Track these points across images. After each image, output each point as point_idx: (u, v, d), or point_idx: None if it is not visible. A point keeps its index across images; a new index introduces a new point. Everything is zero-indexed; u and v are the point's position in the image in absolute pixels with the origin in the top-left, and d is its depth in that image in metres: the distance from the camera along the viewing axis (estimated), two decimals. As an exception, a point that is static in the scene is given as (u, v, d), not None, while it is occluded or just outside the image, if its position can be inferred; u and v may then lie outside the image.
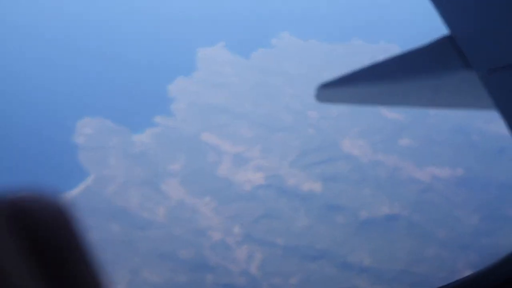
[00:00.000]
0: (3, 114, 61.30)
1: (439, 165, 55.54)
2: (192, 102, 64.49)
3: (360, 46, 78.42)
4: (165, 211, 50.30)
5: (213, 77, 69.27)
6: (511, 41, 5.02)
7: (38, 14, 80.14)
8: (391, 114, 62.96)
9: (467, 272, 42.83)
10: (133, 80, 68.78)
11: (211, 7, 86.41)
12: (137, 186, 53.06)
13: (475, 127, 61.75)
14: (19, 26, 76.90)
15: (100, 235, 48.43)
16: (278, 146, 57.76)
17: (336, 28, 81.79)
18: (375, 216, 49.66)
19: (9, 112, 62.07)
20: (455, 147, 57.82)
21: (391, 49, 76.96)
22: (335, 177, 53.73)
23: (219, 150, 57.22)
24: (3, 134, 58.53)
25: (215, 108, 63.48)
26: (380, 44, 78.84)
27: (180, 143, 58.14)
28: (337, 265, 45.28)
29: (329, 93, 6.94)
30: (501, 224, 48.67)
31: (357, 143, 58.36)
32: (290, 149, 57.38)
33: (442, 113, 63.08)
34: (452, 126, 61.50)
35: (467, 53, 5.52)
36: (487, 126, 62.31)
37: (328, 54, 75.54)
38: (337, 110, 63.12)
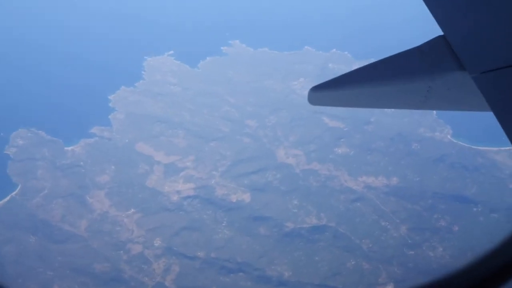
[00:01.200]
0: None
1: (374, 174, 54.45)
2: (131, 112, 63.43)
3: (311, 54, 77.61)
4: (86, 223, 49.07)
5: (156, 87, 68.27)
6: (504, 42, 5.10)
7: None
8: (332, 122, 62.00)
9: (386, 286, 41.59)
10: (76, 91, 67.72)
11: (163, 15, 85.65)
12: (62, 198, 51.84)
13: (416, 135, 60.77)
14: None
15: (16, 248, 47.20)
16: (212, 156, 56.66)
17: (288, 36, 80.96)
18: (300, 227, 48.47)
19: None
20: (393, 155, 56.78)
21: (343, 57, 76.31)
22: (265, 188, 52.58)
23: (151, 161, 56.08)
24: None
25: (153, 118, 62.42)
26: (332, 52, 78.03)
27: (113, 154, 57.00)
28: (254, 278, 44.01)
29: (320, 95, 6.71)
30: (428, 236, 47.50)
31: (293, 152, 57.29)
32: (223, 159, 56.28)
33: (385, 121, 62.17)
34: (393, 134, 60.51)
35: (460, 54, 5.52)
36: (429, 134, 61.33)
37: (277, 62, 74.64)
38: (276, 118, 62.16)
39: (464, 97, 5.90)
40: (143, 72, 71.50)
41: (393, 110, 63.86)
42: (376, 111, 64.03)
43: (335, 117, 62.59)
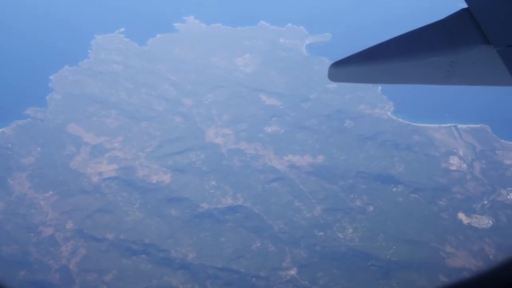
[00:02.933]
0: None
1: (301, 153, 53.33)
2: (68, 92, 63.08)
3: (266, 29, 75.79)
4: (3, 206, 49.28)
5: (99, 66, 67.65)
6: None
7: None
8: (269, 99, 60.73)
9: (288, 271, 40.92)
10: (17, 71, 67.46)
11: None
12: (-16, 181, 52.13)
13: (355, 112, 59.18)
14: None
15: None
16: (141, 136, 56.15)
17: (244, 11, 79.13)
18: (215, 208, 47.91)
19: None
20: (323, 133, 55.46)
21: (297, 32, 74.35)
22: (187, 168, 51.99)
23: (79, 142, 55.86)
24: None
25: (89, 98, 61.98)
26: (287, 26, 76.11)
27: (42, 135, 56.90)
28: (157, 261, 43.79)
29: (341, 72, 6.44)
30: (340, 217, 46.50)
31: (223, 131, 56.38)
32: (151, 139, 55.74)
33: (325, 97, 60.66)
34: (331, 111, 59.05)
35: (485, 27, 5.45)
36: (369, 111, 59.64)
37: (227, 38, 73.14)
38: (213, 97, 61.14)
39: (488, 71, 5.74)
40: (89, 51, 70.89)
41: (335, 86, 62.23)
42: (318, 88, 62.52)
43: (273, 95, 61.31)
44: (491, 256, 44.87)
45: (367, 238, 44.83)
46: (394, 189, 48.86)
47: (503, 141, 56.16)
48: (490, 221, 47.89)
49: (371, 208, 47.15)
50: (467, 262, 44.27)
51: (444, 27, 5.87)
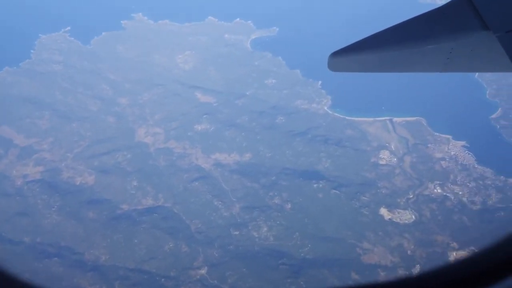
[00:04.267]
0: None
1: (228, 150, 52.84)
2: (4, 94, 62.63)
3: (213, 24, 75.11)
4: None
5: (39, 66, 67.14)
6: None
7: None
8: (204, 97, 60.22)
9: (199, 270, 40.55)
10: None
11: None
12: None
13: (291, 108, 58.62)
14: None
15: None
16: (71, 137, 55.70)
17: (193, 7, 78.42)
18: (134, 209, 47.52)
19: None
20: (252, 130, 54.93)
21: (245, 27, 73.64)
22: (112, 169, 51.56)
23: (9, 144, 55.43)
24: None
25: (24, 100, 61.50)
26: (235, 21, 75.41)
27: (-27, 138, 56.55)
28: (69, 263, 43.47)
29: (340, 61, 6.44)
30: (257, 215, 46.06)
31: (154, 130, 55.90)
32: (81, 140, 55.30)
33: (262, 94, 60.11)
34: (266, 107, 58.51)
35: (484, 13, 5.45)
36: (305, 106, 59.05)
37: (173, 34, 72.50)
38: (149, 95, 60.65)
39: (487, 57, 5.77)
40: (32, 51, 70.32)
41: (273, 82, 61.68)
42: (256, 84, 61.96)
43: (209, 92, 60.77)
44: (408, 252, 44.41)
45: (283, 237, 44.40)
46: (315, 186, 48.35)
47: (436, 134, 55.57)
48: (413, 216, 47.39)
49: (289, 206, 46.69)
50: (383, 258, 43.83)
51: (443, 14, 5.85)
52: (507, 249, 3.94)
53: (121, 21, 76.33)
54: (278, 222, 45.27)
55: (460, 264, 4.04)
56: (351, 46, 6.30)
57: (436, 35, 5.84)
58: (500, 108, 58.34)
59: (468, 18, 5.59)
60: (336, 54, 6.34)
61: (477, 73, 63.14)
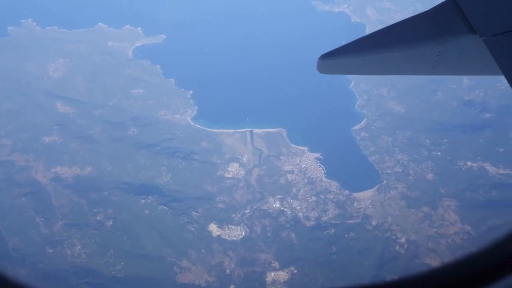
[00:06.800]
0: None
1: (70, 164, 51.18)
2: None
3: (102, 31, 73.45)
4: None
5: None
6: None
7: None
8: (64, 107, 58.53)
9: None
10: None
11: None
12: None
13: (152, 119, 57.22)
14: None
15: None
16: None
17: (83, 14, 76.68)
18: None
19: None
20: (99, 143, 53.38)
21: (132, 34, 72.14)
22: None
23: None
24: None
25: None
26: (125, 28, 73.83)
27: None
28: None
29: (329, 64, 6.44)
30: (75, 232, 44.48)
31: (1, 142, 54.13)
32: None
33: (126, 104, 58.61)
34: (125, 118, 56.97)
35: (470, 17, 5.55)
36: (168, 117, 57.61)
37: (56, 41, 70.73)
38: (9, 106, 58.87)
39: (474, 61, 5.83)
40: None
41: (141, 92, 60.32)
42: (121, 93, 60.51)
43: (71, 102, 59.10)
44: (227, 271, 43.07)
45: (95, 254, 42.89)
46: (143, 201, 46.86)
47: (293, 145, 54.39)
48: (243, 232, 46.11)
49: (111, 223, 45.18)
50: (198, 278, 42.49)
51: (430, 18, 5.89)
52: (507, 248, 3.95)
53: (8, 27, 74.36)
54: (93, 239, 43.70)
55: (460, 264, 4.03)
56: (340, 49, 6.35)
57: (423, 38, 5.87)
58: (365, 119, 57.28)
59: (455, 22, 5.64)
60: (325, 56, 6.39)
61: (352, 83, 62.19)
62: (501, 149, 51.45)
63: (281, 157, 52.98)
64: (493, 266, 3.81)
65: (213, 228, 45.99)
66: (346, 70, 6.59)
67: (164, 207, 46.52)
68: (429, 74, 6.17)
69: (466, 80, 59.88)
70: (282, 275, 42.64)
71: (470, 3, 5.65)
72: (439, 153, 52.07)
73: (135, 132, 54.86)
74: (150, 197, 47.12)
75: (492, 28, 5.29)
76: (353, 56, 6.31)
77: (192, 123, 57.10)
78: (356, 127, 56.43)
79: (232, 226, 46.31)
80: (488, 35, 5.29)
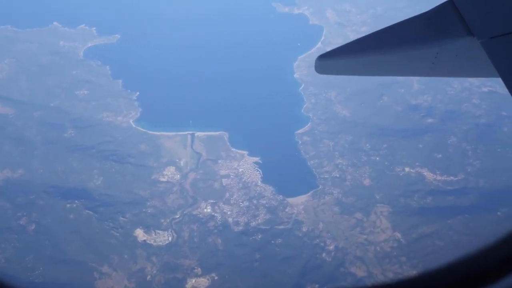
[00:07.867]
0: None
1: (2, 166, 50.26)
2: None
3: (56, 31, 72.46)
4: None
5: None
6: None
7: None
8: (3, 108, 57.58)
9: None
10: None
11: None
12: None
13: (94, 121, 56.33)
14: None
15: None
16: None
17: (37, 13, 75.68)
18: None
19: None
20: (34, 144, 52.48)
21: (85, 34, 71.23)
22: None
23: None
24: None
25: None
26: (79, 28, 72.86)
27: None
28: None
29: (327, 64, 6.31)
30: (-4, 236, 43.63)
31: None
32: None
33: (67, 105, 57.76)
34: (62, 120, 56.04)
35: (468, 19, 5.57)
36: (111, 119, 56.74)
37: (7, 40, 69.74)
38: None
39: (472, 63, 5.81)
40: None
41: (85, 94, 59.52)
42: (65, 94, 59.67)
43: (11, 103, 58.19)
44: (148, 277, 42.29)
45: (13, 259, 42.00)
46: (68, 206, 46.00)
47: (234, 149, 53.62)
48: (169, 238, 45.30)
49: (33, 227, 44.29)
50: (117, 284, 41.66)
51: (428, 20, 5.91)
52: (507, 248, 3.93)
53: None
54: (12, 244, 42.83)
55: (460, 264, 3.96)
56: (338, 49, 6.30)
57: (421, 40, 5.86)
58: (310, 123, 56.49)
59: (453, 24, 5.66)
60: (323, 57, 6.34)
61: (302, 86, 61.43)
62: (440, 155, 50.76)
63: (219, 161, 52.18)
64: (493, 266, 3.79)
65: (139, 233, 45.18)
66: (344, 71, 6.58)
67: (90, 212, 45.63)
68: (427, 75, 6.20)
69: (416, 84, 59.15)
70: (203, 282, 41.87)
71: (468, 6, 5.67)
72: (377, 158, 51.35)
73: (72, 134, 53.98)
74: (76, 201, 46.23)
75: (489, 31, 5.34)
76: (351, 57, 6.26)
77: (133, 126, 56.24)
78: (300, 131, 55.63)
79: (160, 231, 45.51)
80: (485, 37, 5.34)
